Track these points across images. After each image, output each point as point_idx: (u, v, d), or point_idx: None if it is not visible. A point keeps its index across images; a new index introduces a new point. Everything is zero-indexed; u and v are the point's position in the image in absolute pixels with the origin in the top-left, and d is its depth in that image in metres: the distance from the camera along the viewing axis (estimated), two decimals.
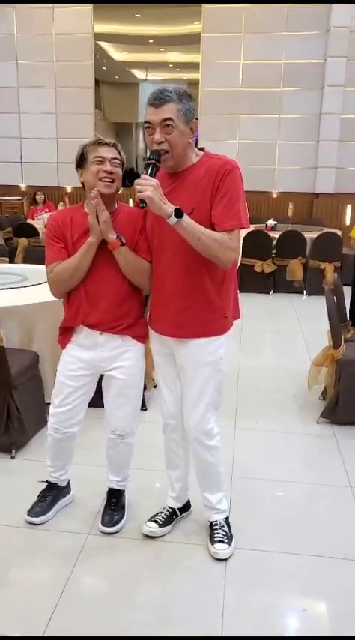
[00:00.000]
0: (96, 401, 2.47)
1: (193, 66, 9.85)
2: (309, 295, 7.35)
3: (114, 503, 2.52)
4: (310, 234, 7.50)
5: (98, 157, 2.19)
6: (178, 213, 1.91)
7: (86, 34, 9.76)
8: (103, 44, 10.37)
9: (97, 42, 9.99)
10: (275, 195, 9.77)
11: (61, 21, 9.71)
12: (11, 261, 7.35)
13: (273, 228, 8.01)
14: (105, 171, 2.18)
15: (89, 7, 9.59)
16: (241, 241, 6.78)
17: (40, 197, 9.15)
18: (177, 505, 2.51)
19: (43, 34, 9.79)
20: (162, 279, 2.18)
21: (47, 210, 9.11)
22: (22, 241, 7.47)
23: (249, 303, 6.75)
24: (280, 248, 7.43)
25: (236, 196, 2.04)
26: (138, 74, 11.58)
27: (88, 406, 2.47)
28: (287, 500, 2.77)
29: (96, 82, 10.28)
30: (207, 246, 1.97)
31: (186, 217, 1.93)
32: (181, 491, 2.50)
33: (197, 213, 2.02)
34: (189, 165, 2.11)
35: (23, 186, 10.39)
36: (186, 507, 2.56)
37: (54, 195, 9.95)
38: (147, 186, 1.91)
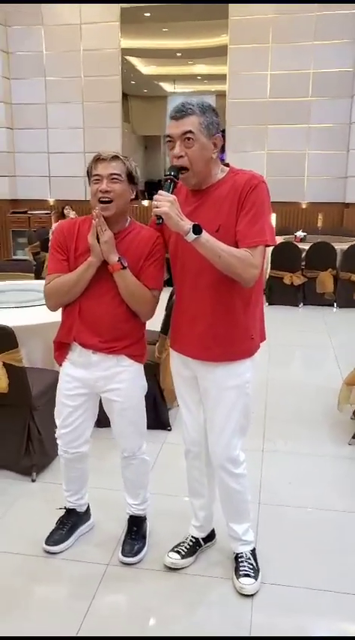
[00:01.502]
0: (108, 420, 2.38)
1: (221, 77, 9.82)
2: (340, 308, 7.17)
3: (135, 531, 2.42)
4: (341, 245, 7.31)
5: (95, 175, 2.10)
6: (196, 230, 1.82)
7: (113, 49, 9.81)
8: (131, 59, 10.45)
9: (126, 57, 10.05)
10: (304, 206, 9.60)
11: (89, 37, 9.79)
12: (39, 275, 7.39)
13: (303, 240, 7.86)
14: (101, 191, 2.07)
15: (116, 23, 9.66)
16: (268, 257, 6.67)
17: (68, 211, 9.19)
18: (200, 535, 2.40)
19: (71, 50, 9.88)
20: (187, 299, 2.08)
21: None
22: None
23: (278, 316, 6.63)
24: (310, 260, 7.26)
25: (261, 212, 1.93)
26: (167, 87, 11.63)
27: (102, 427, 2.39)
28: (318, 529, 2.62)
29: (125, 95, 10.34)
30: (227, 263, 1.87)
31: (204, 234, 1.84)
32: (205, 520, 2.38)
33: (223, 232, 1.93)
34: (213, 182, 2.01)
35: (51, 201, 10.46)
36: (211, 537, 2.44)
37: (82, 209, 9.97)
38: (164, 201, 1.83)
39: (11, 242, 10.47)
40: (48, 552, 2.40)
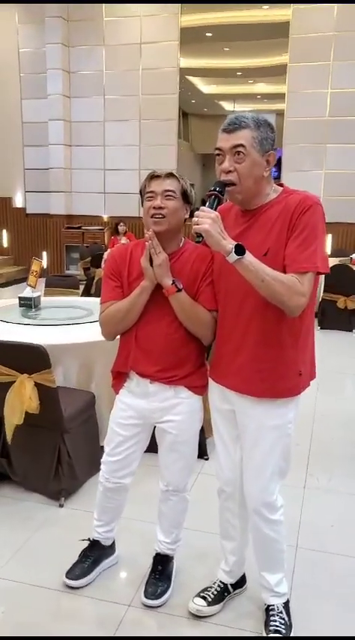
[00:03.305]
0: (152, 445, 2.25)
1: (280, 96, 9.71)
2: None
3: (160, 571, 2.27)
4: None
5: (149, 192, 2.01)
6: (239, 250, 1.68)
7: (172, 68, 9.87)
8: (192, 78, 10.49)
9: (186, 76, 10.09)
10: None
11: (148, 56, 9.89)
12: (88, 291, 7.41)
13: None
14: (155, 207, 1.98)
15: (176, 42, 9.72)
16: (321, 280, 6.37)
17: (122, 228, 9.22)
18: (230, 580, 2.22)
19: (130, 69, 10.00)
20: (230, 327, 1.92)
21: (128, 240, 9.16)
22: (99, 272, 7.48)
23: (330, 341, 6.36)
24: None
25: (313, 235, 1.76)
26: (226, 105, 11.61)
27: (146, 451, 2.26)
28: None
29: (185, 114, 10.37)
30: (271, 288, 1.71)
31: (248, 255, 1.69)
32: (236, 565, 2.20)
33: (272, 256, 1.78)
34: (264, 203, 1.86)
35: (105, 217, 10.55)
36: (241, 583, 2.26)
37: (135, 225, 10.01)
38: (206, 218, 1.69)
39: (65, 257, 10.62)
40: (68, 587, 2.27)
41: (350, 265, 7.22)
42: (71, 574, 2.29)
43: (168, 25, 9.71)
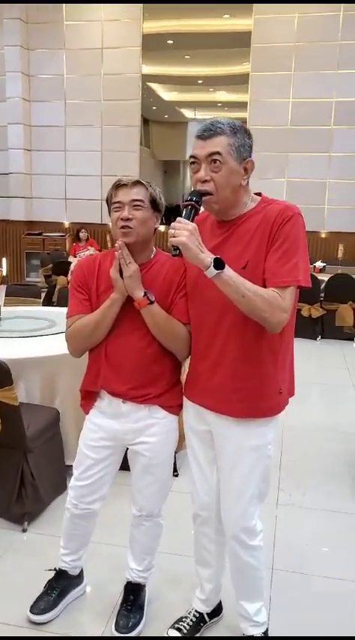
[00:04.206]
0: (123, 462, 2.12)
1: (242, 105, 9.73)
2: None
3: (132, 601, 2.13)
4: None
5: (115, 202, 1.89)
6: (218, 264, 1.57)
7: (134, 74, 9.78)
8: (153, 85, 10.43)
9: (147, 83, 10.03)
10: (323, 235, 9.36)
11: (110, 62, 9.77)
12: (49, 299, 7.21)
13: (322, 270, 7.61)
14: (122, 219, 1.86)
15: (138, 48, 9.64)
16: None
17: (83, 234, 9.05)
18: (206, 609, 2.10)
19: (92, 74, 9.86)
20: (207, 343, 1.81)
21: (90, 247, 9.00)
22: (61, 279, 7.32)
23: (296, 350, 6.30)
24: (329, 291, 6.99)
25: (294, 247, 1.67)
26: (187, 113, 11.58)
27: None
28: (342, 604, 2.30)
29: (146, 120, 10.30)
30: (252, 304, 1.61)
31: (227, 269, 1.59)
32: (212, 593, 2.09)
33: (251, 269, 1.68)
34: (242, 213, 1.76)
35: (66, 223, 10.35)
36: (217, 611, 2.14)
37: (97, 232, 9.86)
38: (182, 230, 1.58)
39: (25, 264, 10.36)
40: (32, 622, 2.12)
41: (314, 273, 7.24)
42: (36, 608, 2.14)
43: (130, 30, 9.63)
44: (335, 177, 9.27)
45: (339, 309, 6.89)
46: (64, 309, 4.14)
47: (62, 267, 7.62)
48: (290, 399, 1.91)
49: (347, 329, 6.89)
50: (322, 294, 7.03)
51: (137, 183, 1.89)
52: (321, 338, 7.02)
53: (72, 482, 2.10)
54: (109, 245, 9.55)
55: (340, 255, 8.35)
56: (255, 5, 9.14)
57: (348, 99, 9.03)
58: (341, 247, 8.37)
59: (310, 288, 1.77)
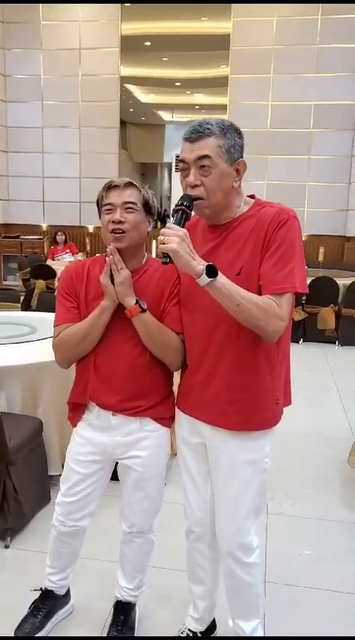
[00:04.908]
0: (112, 473, 2.03)
1: (220, 107, 9.72)
2: (342, 345, 6.88)
3: (122, 622, 2.04)
4: (343, 281, 7.05)
5: (107, 204, 1.80)
6: (211, 272, 1.50)
7: (112, 76, 9.69)
8: (130, 87, 10.36)
9: (125, 85, 9.95)
10: (304, 239, 9.36)
11: (88, 62, 9.67)
12: (27, 304, 7.06)
13: None
14: (114, 222, 1.77)
15: (116, 49, 9.56)
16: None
17: (60, 237, 8.92)
18: (199, 628, 2.02)
19: (69, 75, 9.75)
20: (200, 353, 1.73)
21: (68, 250, 8.87)
22: (40, 283, 7.17)
23: None
24: (310, 295, 6.96)
25: (290, 252, 1.60)
26: (165, 115, 11.55)
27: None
28: (338, 617, 2.24)
29: (123, 122, 10.22)
30: (247, 313, 1.53)
31: (221, 277, 1.51)
32: (206, 611, 2.00)
33: (246, 275, 1.60)
34: (235, 216, 1.68)
35: (44, 226, 10.20)
36: (211, 629, 2.06)
37: (76, 235, 9.73)
38: (173, 236, 1.50)
39: (2, 267, 10.18)
40: None
41: None
42: (20, 630, 2.03)
43: (108, 31, 9.54)
44: (314, 179, 9.32)
45: (321, 312, 6.88)
46: (45, 314, 4.08)
47: (40, 271, 7.47)
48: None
49: (329, 332, 6.88)
50: (304, 298, 7.01)
51: (130, 184, 1.80)
52: (303, 341, 7.01)
53: (59, 499, 2.00)
54: (88, 248, 9.43)
55: (321, 258, 8.36)
56: (234, 8, 9.14)
57: (327, 102, 9.08)
58: (321, 250, 8.39)
59: (307, 294, 1.71)
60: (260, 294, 1.59)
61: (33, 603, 2.11)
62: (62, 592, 2.14)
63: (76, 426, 1.97)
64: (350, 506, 3.08)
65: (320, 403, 5.04)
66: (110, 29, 9.54)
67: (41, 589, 2.13)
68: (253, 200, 1.74)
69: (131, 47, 9.73)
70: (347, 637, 1.89)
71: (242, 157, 1.67)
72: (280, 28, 9.08)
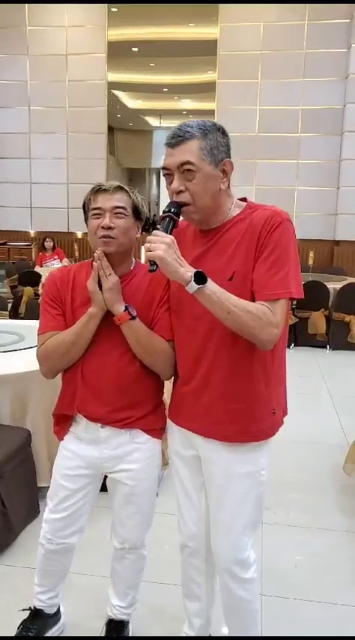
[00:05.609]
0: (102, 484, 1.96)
1: (208, 113, 9.69)
2: (333, 350, 6.84)
3: None
4: (333, 285, 7.02)
5: (95, 209, 1.73)
6: (200, 279, 1.44)
7: (99, 81, 9.64)
8: (118, 92, 10.32)
9: (112, 90, 9.91)
10: None
11: (75, 68, 9.61)
12: (16, 310, 6.97)
13: None
14: (103, 227, 1.71)
15: (103, 55, 9.52)
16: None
17: (48, 243, 8.82)
18: None
19: (56, 80, 9.68)
20: (193, 362, 1.67)
21: (56, 256, 8.78)
22: (28, 290, 7.08)
23: None
24: (301, 299, 6.93)
25: (285, 256, 1.54)
26: (152, 121, 11.52)
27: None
28: (336, 631, 2.18)
29: (111, 128, 10.20)
30: (239, 321, 1.47)
31: (210, 284, 1.45)
32: (202, 629, 1.94)
33: (238, 281, 1.55)
34: (226, 220, 1.63)
35: (32, 232, 10.11)
36: None
37: (64, 241, 9.65)
38: (159, 243, 1.45)
39: None
40: None
41: None
42: None
43: (94, 37, 9.49)
44: (303, 184, 9.31)
45: (311, 316, 6.84)
46: (34, 322, 3.98)
47: (28, 278, 7.38)
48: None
49: (320, 336, 6.85)
50: (294, 302, 6.97)
51: (119, 188, 1.74)
52: (294, 346, 6.96)
53: (46, 515, 1.92)
54: (77, 254, 9.35)
55: (311, 262, 8.33)
56: (221, 13, 9.13)
57: (314, 107, 9.09)
58: (311, 254, 8.34)
59: (302, 300, 1.66)
60: (254, 299, 1.54)
61: (22, 623, 2.03)
62: (52, 611, 2.06)
63: (62, 439, 1.89)
64: (346, 514, 3.03)
65: (313, 409, 4.99)
66: (97, 35, 9.50)
67: (30, 608, 2.05)
68: (245, 203, 1.69)
69: (118, 53, 9.71)
70: (347, 637, 1.87)
71: (228, 157, 1.61)
72: (267, 33, 9.08)
